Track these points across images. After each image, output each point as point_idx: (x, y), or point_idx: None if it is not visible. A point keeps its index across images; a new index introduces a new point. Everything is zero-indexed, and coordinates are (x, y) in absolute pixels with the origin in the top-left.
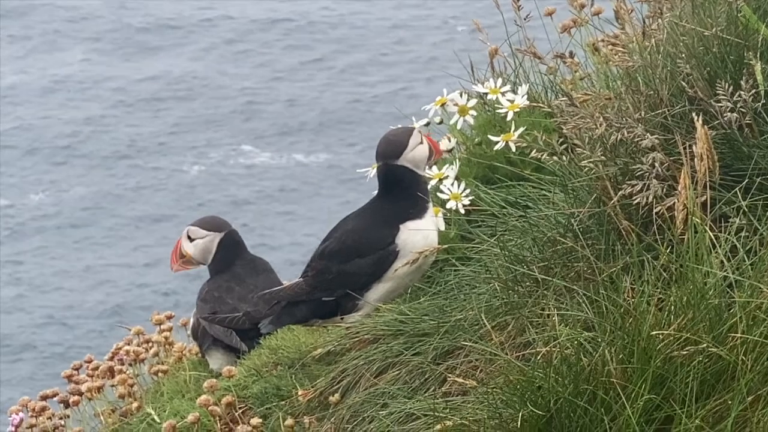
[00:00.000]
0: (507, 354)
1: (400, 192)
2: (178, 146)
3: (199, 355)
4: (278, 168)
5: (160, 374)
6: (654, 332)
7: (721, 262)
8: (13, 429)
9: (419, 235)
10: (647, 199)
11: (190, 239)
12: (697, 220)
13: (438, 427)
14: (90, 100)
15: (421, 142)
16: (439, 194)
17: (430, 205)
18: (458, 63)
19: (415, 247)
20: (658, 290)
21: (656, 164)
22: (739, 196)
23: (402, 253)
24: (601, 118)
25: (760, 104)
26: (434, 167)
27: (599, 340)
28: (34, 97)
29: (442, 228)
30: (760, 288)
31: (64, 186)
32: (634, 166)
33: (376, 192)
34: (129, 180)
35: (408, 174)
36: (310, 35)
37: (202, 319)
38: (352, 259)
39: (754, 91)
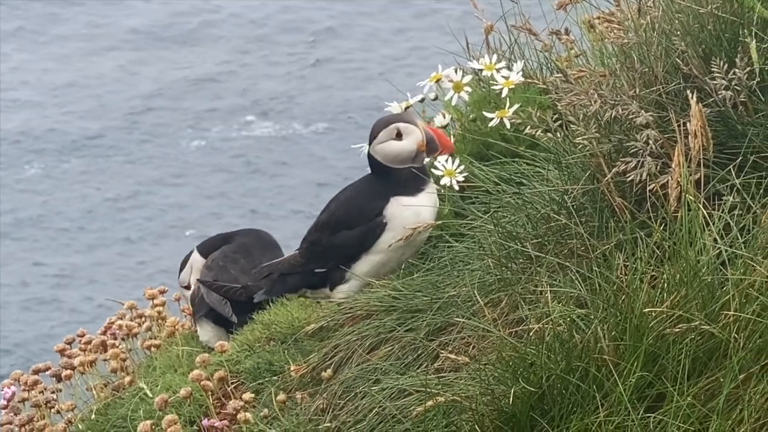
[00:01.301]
0: (500, 330)
1: (385, 173)
2: (176, 122)
3: (192, 328)
4: (278, 138)
5: (152, 349)
6: (647, 309)
7: (714, 239)
8: (5, 402)
9: (410, 210)
10: (641, 176)
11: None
12: (690, 197)
13: (430, 402)
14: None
15: (397, 138)
16: (433, 170)
17: (429, 184)
18: (453, 39)
19: (405, 221)
20: (651, 267)
21: (650, 141)
22: (733, 174)
23: (390, 225)
24: (596, 95)
25: (755, 82)
26: None
27: (592, 317)
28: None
29: (437, 205)
30: (753, 266)
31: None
32: (628, 143)
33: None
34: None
35: (375, 163)
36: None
37: (201, 283)
38: (341, 231)
39: (748, 69)
